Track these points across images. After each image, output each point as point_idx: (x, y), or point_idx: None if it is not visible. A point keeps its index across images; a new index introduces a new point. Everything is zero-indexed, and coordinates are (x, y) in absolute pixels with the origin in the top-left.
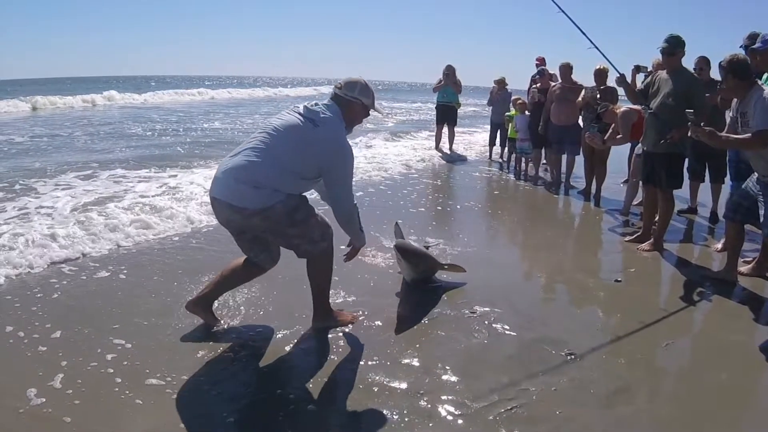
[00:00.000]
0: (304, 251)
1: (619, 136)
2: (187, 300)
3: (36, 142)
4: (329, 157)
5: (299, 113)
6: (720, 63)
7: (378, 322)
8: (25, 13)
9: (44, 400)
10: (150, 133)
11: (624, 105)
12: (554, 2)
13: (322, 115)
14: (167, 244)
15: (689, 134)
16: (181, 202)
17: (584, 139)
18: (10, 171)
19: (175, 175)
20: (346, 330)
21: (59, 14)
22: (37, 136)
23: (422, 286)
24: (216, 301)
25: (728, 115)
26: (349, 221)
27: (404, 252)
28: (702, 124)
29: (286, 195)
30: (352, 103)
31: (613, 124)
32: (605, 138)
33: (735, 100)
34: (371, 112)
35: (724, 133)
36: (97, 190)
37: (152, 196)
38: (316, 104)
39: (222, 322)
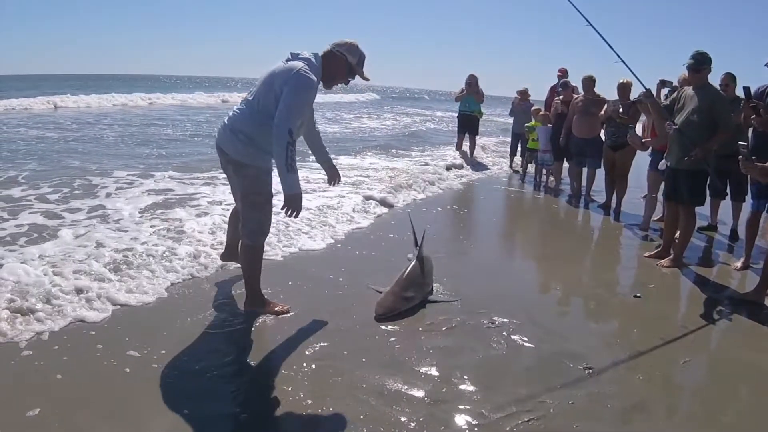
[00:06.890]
0: (242, 229)
1: (646, 140)
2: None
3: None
4: (288, 77)
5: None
6: None
7: (396, 329)
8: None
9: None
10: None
11: None
12: (582, 15)
13: (300, 56)
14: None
15: (742, 170)
16: None
17: (606, 153)
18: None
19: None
20: (365, 336)
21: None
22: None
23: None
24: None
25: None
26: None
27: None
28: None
29: (265, 170)
30: (337, 57)
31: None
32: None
33: None
34: (357, 77)
35: None
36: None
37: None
38: (303, 51)
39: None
